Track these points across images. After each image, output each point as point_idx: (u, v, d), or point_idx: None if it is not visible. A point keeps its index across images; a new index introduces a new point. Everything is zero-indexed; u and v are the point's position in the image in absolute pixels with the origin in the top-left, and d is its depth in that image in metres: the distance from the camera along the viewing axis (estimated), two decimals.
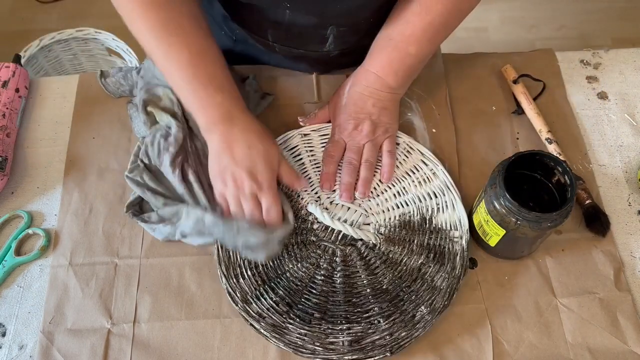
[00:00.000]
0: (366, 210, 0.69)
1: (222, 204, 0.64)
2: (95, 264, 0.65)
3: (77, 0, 1.89)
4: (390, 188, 0.70)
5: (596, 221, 0.67)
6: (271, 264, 0.64)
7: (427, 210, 0.68)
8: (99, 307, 0.62)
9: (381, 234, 0.67)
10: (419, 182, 0.70)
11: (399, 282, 0.63)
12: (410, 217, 0.68)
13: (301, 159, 0.72)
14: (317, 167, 0.71)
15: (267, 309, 0.61)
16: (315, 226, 0.67)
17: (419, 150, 0.71)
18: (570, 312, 0.62)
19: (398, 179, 0.70)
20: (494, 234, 0.61)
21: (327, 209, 0.68)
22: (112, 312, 0.62)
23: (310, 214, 0.67)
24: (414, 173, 0.70)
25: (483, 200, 0.60)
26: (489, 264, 0.65)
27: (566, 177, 0.59)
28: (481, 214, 0.62)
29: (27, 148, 0.74)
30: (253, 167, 0.62)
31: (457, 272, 0.63)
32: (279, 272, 0.64)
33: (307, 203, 0.68)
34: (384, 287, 0.63)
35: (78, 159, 0.72)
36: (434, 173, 0.69)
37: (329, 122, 0.73)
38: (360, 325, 0.60)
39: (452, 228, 0.66)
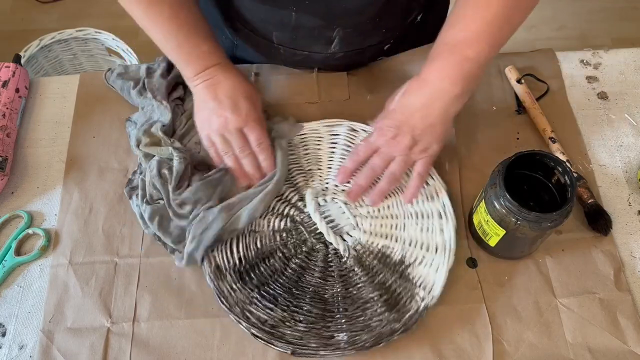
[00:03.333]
0: (357, 224, 0.67)
1: (209, 148, 0.67)
2: (95, 263, 0.65)
3: (77, 0, 1.89)
4: (392, 217, 0.67)
5: (599, 219, 0.67)
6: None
7: (411, 256, 0.64)
8: (98, 306, 0.62)
9: (355, 250, 0.66)
10: (421, 229, 0.66)
11: (340, 300, 0.62)
12: (391, 253, 0.65)
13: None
14: (327, 161, 0.71)
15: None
16: (305, 209, 0.68)
17: (442, 201, 0.66)
18: (570, 312, 0.62)
19: (406, 214, 0.67)
20: (494, 234, 0.61)
21: (326, 200, 0.69)
22: (112, 311, 0.62)
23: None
24: (422, 218, 0.66)
25: (483, 200, 0.60)
26: (489, 264, 0.65)
27: (566, 177, 0.59)
28: (481, 214, 0.62)
29: (27, 148, 0.74)
30: (236, 104, 0.65)
31: (397, 325, 0.59)
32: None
33: (307, 189, 0.68)
34: (326, 296, 0.63)
35: (78, 158, 0.72)
36: (441, 230, 0.65)
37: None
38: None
39: (421, 286, 0.62)
